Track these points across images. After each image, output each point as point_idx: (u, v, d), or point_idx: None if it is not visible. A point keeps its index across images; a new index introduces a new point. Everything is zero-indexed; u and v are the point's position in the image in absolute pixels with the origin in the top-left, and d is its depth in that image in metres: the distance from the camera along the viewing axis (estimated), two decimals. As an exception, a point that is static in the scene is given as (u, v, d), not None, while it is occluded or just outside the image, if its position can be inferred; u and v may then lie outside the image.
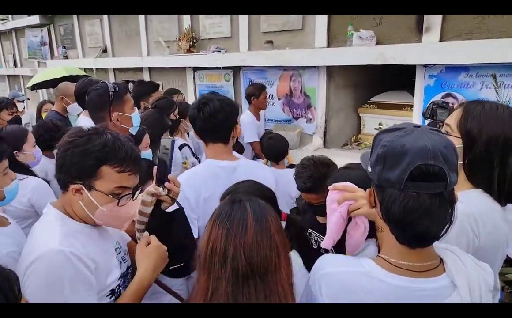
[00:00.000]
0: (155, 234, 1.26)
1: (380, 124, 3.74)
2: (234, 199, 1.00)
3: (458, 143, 1.20)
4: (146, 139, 2.24)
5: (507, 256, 1.33)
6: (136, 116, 2.04)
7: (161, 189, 1.26)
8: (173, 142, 1.29)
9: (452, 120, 1.23)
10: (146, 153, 2.19)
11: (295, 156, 3.62)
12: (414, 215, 0.83)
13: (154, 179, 1.28)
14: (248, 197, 1.02)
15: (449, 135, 1.22)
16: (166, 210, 1.30)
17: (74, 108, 3.14)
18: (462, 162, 1.20)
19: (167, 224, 1.29)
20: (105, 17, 5.97)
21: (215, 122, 1.59)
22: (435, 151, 0.82)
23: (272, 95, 4.03)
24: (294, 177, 1.74)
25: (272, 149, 3.05)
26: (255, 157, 3.48)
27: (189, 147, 3.07)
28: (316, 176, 1.65)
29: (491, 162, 1.16)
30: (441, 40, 2.75)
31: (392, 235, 0.91)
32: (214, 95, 1.65)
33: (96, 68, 6.17)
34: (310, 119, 3.80)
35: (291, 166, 3.14)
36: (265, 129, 3.94)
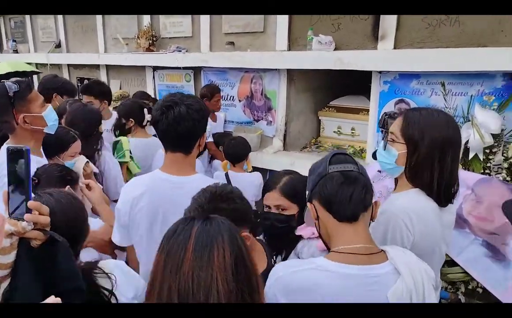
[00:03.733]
0: (32, 280, 0.89)
1: (339, 127, 3.83)
2: (185, 218, 0.87)
3: (402, 149, 1.30)
4: (76, 146, 1.96)
5: (446, 255, 1.39)
6: (49, 114, 1.78)
7: (24, 223, 0.87)
8: (27, 151, 0.88)
9: (395, 128, 1.33)
10: (70, 163, 1.93)
11: (255, 158, 3.61)
12: (339, 181, 1.05)
13: (6, 209, 0.89)
14: (203, 215, 0.86)
15: (394, 142, 1.32)
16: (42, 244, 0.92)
17: None
18: (404, 167, 1.31)
19: (50, 263, 0.93)
20: (59, 10, 5.68)
21: (179, 130, 1.43)
22: (343, 152, 1.14)
23: (233, 97, 4.00)
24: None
25: (232, 150, 3.02)
26: (211, 158, 3.43)
27: None
28: (206, 209, 1.24)
29: (432, 164, 1.25)
30: (395, 48, 2.85)
31: (334, 225, 1.06)
32: (182, 97, 1.47)
33: (50, 64, 5.85)
34: (271, 122, 3.81)
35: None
36: (226, 130, 3.91)
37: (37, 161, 1.73)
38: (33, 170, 1.62)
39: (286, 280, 1.02)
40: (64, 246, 0.95)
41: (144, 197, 1.49)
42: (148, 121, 2.85)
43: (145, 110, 2.85)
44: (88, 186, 1.79)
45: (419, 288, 0.98)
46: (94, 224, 1.66)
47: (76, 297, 0.97)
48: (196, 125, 1.46)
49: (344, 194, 1.04)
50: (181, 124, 1.42)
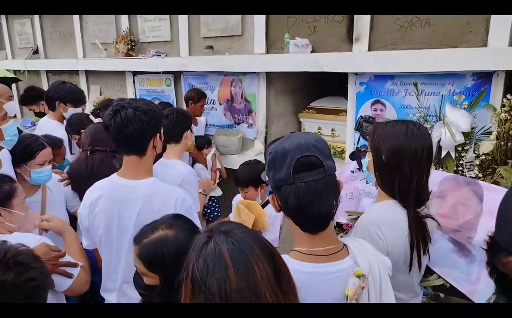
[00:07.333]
0: None
1: (319, 128, 3.86)
2: (206, 242, 0.79)
3: (370, 157, 1.40)
4: (45, 154, 1.92)
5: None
6: (9, 128, 1.74)
7: None
8: None
9: (369, 138, 1.43)
10: (38, 171, 1.87)
11: (237, 161, 3.62)
12: (306, 200, 0.98)
13: None
14: (219, 234, 0.80)
15: (367, 152, 1.43)
16: None
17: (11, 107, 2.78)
18: (374, 174, 1.38)
19: None
20: (36, 16, 5.58)
21: (127, 132, 1.46)
22: (308, 145, 1.00)
23: (214, 101, 4.01)
24: None
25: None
26: (194, 162, 3.43)
27: None
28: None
29: (391, 171, 1.30)
30: (369, 49, 2.90)
31: (299, 231, 1.04)
32: (131, 101, 1.52)
33: (28, 71, 5.75)
34: (251, 124, 3.83)
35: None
36: (206, 134, 3.91)
37: None
38: None
39: None
40: None
41: (100, 201, 1.54)
42: None
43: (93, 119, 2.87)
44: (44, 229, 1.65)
45: (376, 277, 1.03)
46: (29, 240, 1.40)
47: None
48: (144, 126, 1.49)
49: (313, 211, 0.98)
50: (129, 127, 1.46)
